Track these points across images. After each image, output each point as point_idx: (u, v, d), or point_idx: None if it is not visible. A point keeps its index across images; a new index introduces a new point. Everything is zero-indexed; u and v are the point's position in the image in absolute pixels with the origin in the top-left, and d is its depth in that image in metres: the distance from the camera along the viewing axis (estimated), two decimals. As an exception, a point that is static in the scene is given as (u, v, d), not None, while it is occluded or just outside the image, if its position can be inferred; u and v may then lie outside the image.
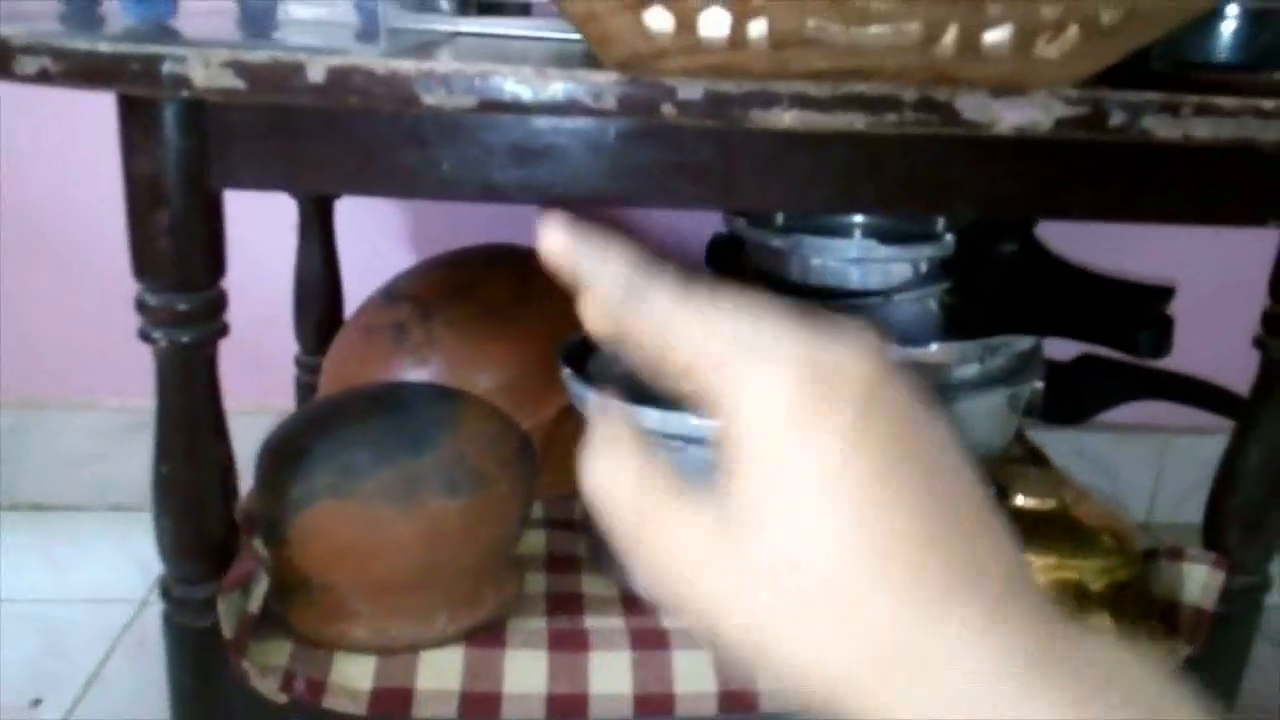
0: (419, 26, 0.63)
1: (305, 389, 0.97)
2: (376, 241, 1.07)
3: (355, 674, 0.65)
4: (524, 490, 0.69)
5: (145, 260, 0.56)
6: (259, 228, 1.05)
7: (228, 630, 0.61)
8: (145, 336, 0.57)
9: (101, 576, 0.99)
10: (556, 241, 0.28)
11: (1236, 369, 0.80)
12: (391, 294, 0.87)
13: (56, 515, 1.10)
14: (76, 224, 1.04)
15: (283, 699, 0.63)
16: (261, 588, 0.64)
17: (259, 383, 1.08)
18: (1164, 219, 0.63)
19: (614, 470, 0.27)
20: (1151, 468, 1.18)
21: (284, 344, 0.99)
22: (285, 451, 0.66)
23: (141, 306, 0.57)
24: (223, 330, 0.59)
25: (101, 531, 1.06)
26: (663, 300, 0.26)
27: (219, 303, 0.59)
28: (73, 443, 1.10)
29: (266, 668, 0.64)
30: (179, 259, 0.56)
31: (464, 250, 0.91)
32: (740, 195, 0.60)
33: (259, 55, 0.50)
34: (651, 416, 0.67)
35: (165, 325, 0.57)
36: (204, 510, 0.61)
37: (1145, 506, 1.20)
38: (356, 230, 1.03)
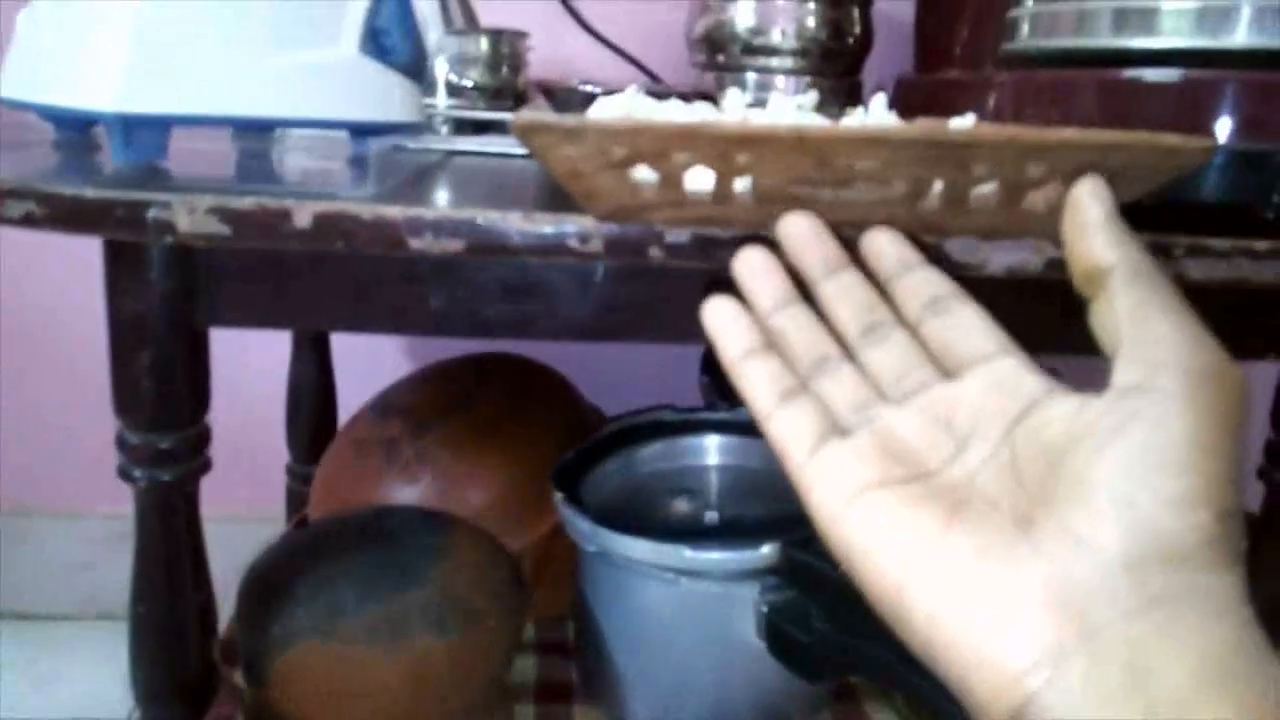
0: (417, 147, 0.64)
1: (296, 497, 0.96)
2: (370, 348, 1.07)
3: (335, 822, 0.62)
4: (515, 622, 0.67)
5: (126, 399, 0.56)
6: (256, 336, 1.06)
7: (204, 777, 0.59)
8: (125, 475, 0.56)
9: (88, 690, 0.97)
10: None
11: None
12: (383, 408, 0.86)
13: (44, 625, 1.08)
14: (70, 333, 1.04)
15: None
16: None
17: (250, 489, 1.07)
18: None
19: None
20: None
21: (277, 449, 0.98)
22: (266, 588, 0.64)
23: (121, 444, 0.56)
24: (205, 467, 0.58)
25: (89, 643, 1.04)
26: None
27: (201, 439, 0.58)
28: (62, 551, 1.08)
29: (243, 815, 0.61)
30: (161, 398, 0.55)
31: (457, 360, 0.91)
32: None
33: (245, 201, 0.50)
34: (643, 547, 0.66)
35: (145, 464, 0.56)
36: (181, 651, 0.59)
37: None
38: (351, 339, 1.03)
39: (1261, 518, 0.65)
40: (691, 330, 0.62)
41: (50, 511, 1.08)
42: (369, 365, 1.00)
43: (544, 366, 0.92)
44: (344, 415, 0.92)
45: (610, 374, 1.06)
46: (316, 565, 0.64)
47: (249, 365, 1.04)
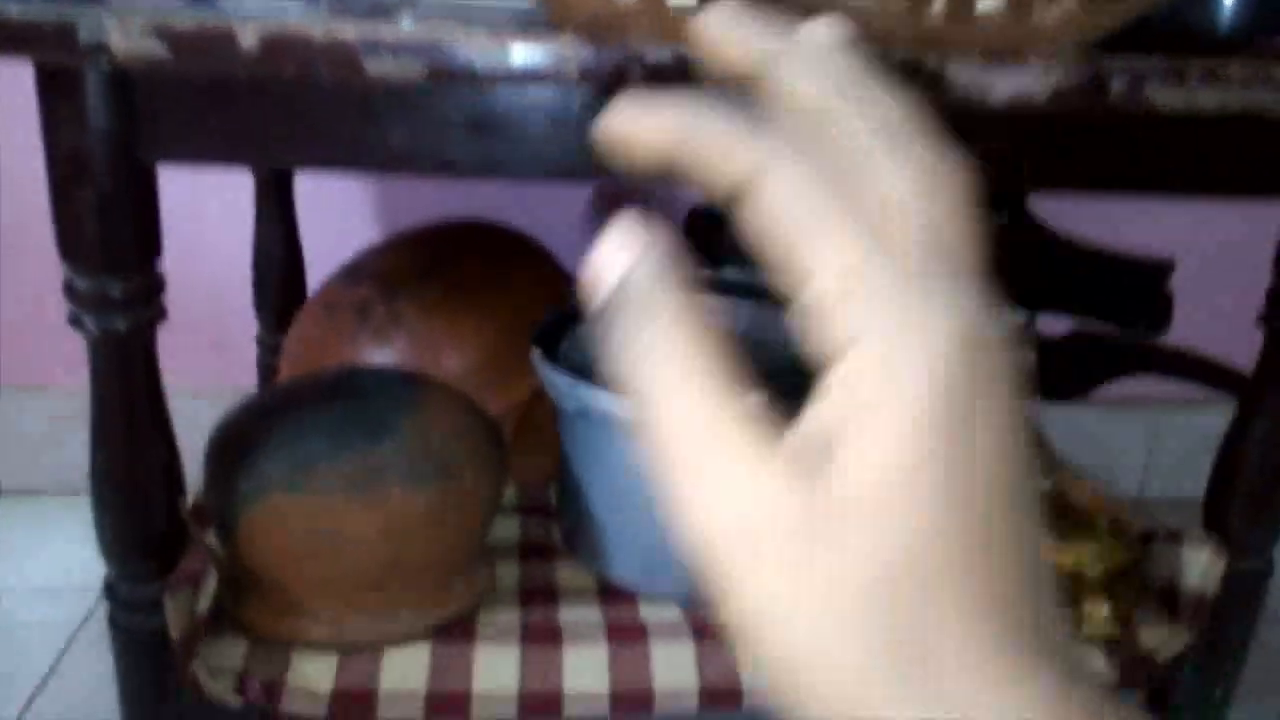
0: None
1: (268, 369, 0.93)
2: (339, 217, 1.02)
3: (314, 675, 0.61)
4: (493, 479, 0.66)
5: (71, 241, 0.52)
6: (218, 200, 1.01)
7: (175, 631, 0.58)
8: (75, 322, 0.53)
9: (59, 565, 0.96)
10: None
11: (1236, 345, 0.77)
12: (355, 272, 0.83)
13: (13, 500, 1.06)
14: (18, 200, 0.99)
15: (237, 702, 0.60)
16: (211, 586, 0.61)
17: (221, 362, 1.04)
18: (1166, 192, 0.59)
19: (666, 363, 0.20)
20: (1144, 443, 1.16)
21: (246, 322, 0.95)
22: (234, 442, 0.62)
23: (70, 291, 0.53)
24: (160, 314, 0.55)
25: (59, 518, 1.02)
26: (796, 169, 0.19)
27: (154, 286, 0.55)
28: (27, 425, 1.06)
29: (219, 669, 0.60)
30: (107, 240, 0.52)
31: (432, 227, 0.87)
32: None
33: (185, 20, 0.46)
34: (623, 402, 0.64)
35: (96, 311, 0.53)
36: (145, 505, 0.57)
37: (1138, 481, 1.18)
38: (318, 205, 0.98)
39: (1259, 365, 0.64)
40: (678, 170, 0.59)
41: (12, 384, 1.05)
42: (338, 236, 0.96)
43: (523, 234, 0.89)
44: (313, 287, 0.88)
45: (588, 239, 1.02)
46: (286, 419, 0.62)
47: (213, 232, 1.00)
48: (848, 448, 0.18)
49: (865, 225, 0.19)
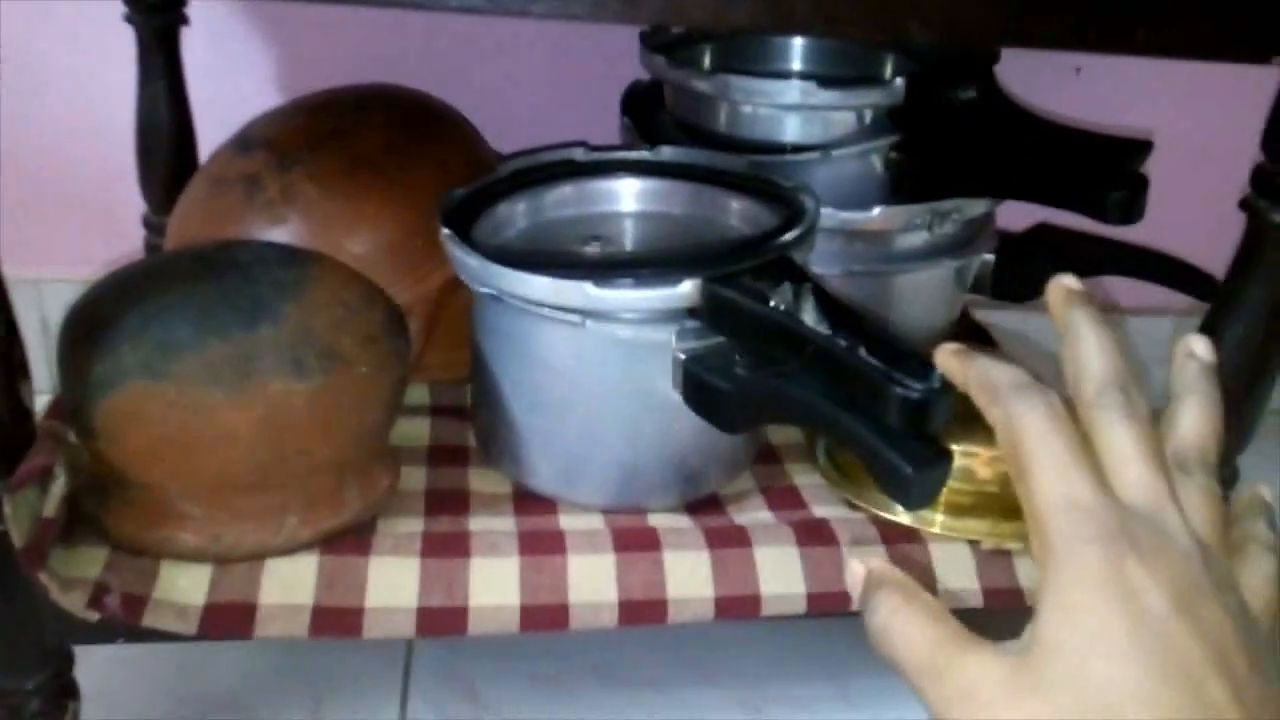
0: None
1: (156, 252, 0.84)
2: (233, 82, 0.92)
3: (185, 587, 0.54)
4: (392, 371, 0.58)
5: None
6: (100, 69, 0.90)
7: (17, 535, 0.50)
8: None
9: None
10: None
11: (1204, 248, 0.72)
12: (245, 141, 0.73)
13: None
14: None
15: (93, 616, 0.53)
16: (60, 486, 0.53)
17: (106, 245, 0.94)
18: (1151, 51, 0.52)
19: (904, 614, 0.29)
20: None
21: (133, 202, 0.85)
22: (88, 324, 0.54)
23: None
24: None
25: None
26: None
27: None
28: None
29: (74, 579, 0.53)
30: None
31: (333, 91, 0.78)
32: (649, 6, 0.48)
33: None
34: (542, 285, 0.56)
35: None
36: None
37: (1091, 391, 1.14)
38: (208, 69, 0.88)
39: (1237, 258, 0.58)
40: (603, 6, 0.51)
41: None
42: (232, 102, 0.86)
43: (438, 101, 0.80)
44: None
45: (517, 114, 0.93)
46: (146, 298, 0.54)
47: (98, 111, 0.90)
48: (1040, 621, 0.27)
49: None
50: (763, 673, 0.75)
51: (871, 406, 0.47)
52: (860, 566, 0.32)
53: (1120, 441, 0.28)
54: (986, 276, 0.80)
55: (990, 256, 0.80)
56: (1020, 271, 0.81)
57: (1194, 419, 0.31)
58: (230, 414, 0.52)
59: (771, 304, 0.53)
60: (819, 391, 0.50)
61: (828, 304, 0.53)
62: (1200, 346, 0.34)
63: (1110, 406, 0.29)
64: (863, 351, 0.49)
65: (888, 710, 0.71)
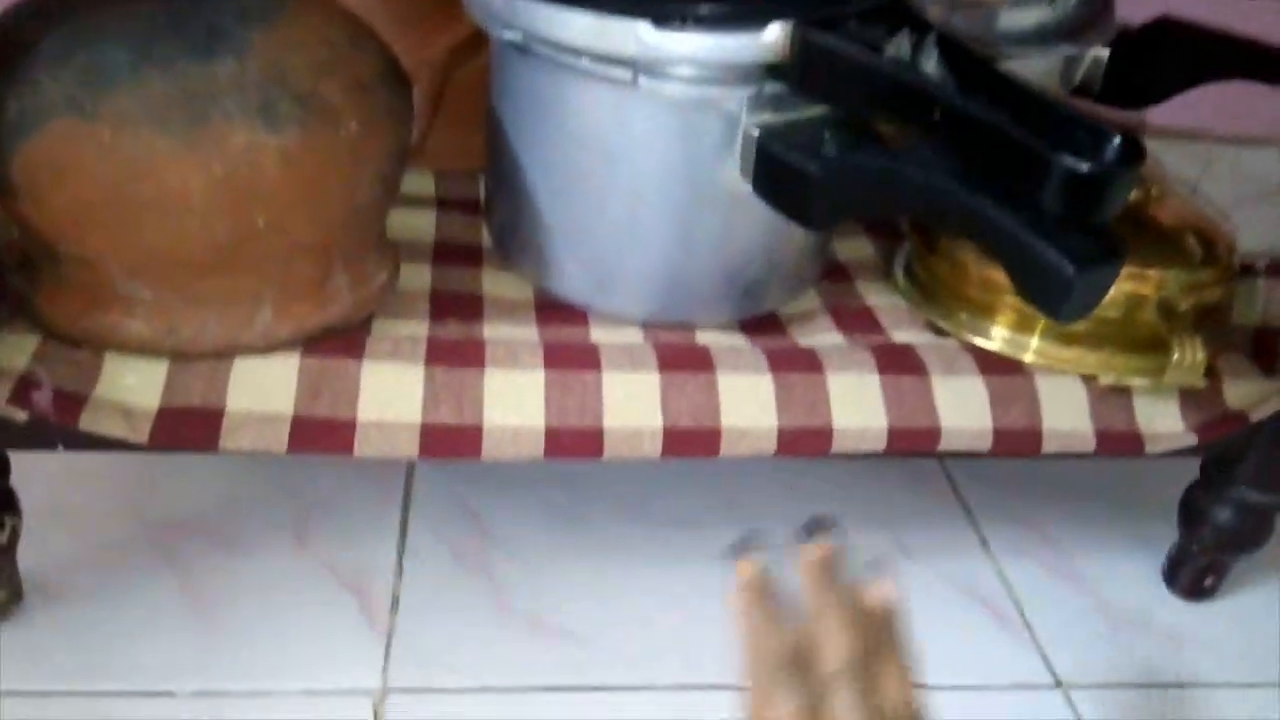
0: None
1: None
2: None
3: (133, 385, 0.44)
4: (389, 134, 0.47)
5: None
6: None
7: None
8: None
9: None
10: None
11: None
12: None
13: None
14: None
15: (19, 415, 0.43)
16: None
17: None
18: None
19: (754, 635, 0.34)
20: (1186, 183, 1.00)
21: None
22: (6, 48, 0.41)
23: None
24: None
25: None
26: None
27: None
28: None
29: (-3, 372, 0.43)
30: None
31: None
32: None
33: None
34: (583, 25, 0.44)
35: None
36: None
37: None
38: None
39: None
40: None
41: None
42: None
43: None
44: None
45: None
46: (75, 16, 0.41)
47: None
48: None
49: None
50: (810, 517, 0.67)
51: (1022, 186, 0.36)
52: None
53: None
54: (1096, 76, 0.68)
55: (1104, 51, 0.67)
56: (1136, 72, 0.68)
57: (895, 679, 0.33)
58: (179, 167, 0.40)
59: (886, 56, 0.41)
60: (946, 169, 0.39)
61: (960, 58, 0.41)
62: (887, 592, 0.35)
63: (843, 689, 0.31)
64: (1008, 117, 0.37)
65: (947, 561, 0.63)
